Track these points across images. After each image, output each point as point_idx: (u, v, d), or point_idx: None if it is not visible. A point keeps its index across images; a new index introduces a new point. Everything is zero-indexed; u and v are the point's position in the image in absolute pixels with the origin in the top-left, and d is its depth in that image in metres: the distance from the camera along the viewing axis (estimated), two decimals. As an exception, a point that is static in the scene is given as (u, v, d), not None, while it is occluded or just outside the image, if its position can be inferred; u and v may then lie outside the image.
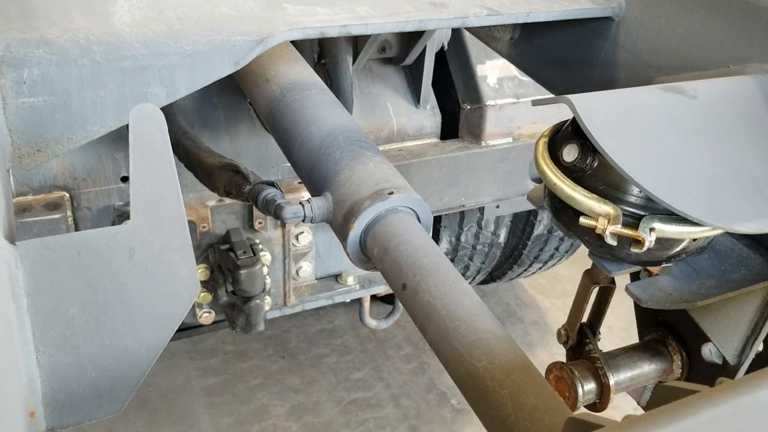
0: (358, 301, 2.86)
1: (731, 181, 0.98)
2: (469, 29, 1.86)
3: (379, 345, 3.42)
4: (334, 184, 1.16)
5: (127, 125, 1.08)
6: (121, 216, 2.14)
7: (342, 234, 1.14)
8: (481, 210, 2.75)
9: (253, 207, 2.24)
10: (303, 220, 1.18)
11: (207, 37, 1.07)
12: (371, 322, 2.79)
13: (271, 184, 1.29)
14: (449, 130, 2.57)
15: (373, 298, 2.99)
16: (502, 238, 3.05)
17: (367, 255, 1.15)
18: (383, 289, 2.63)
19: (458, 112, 2.55)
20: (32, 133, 1.04)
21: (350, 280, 2.55)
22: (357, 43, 2.20)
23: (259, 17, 1.13)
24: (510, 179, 2.58)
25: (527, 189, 2.64)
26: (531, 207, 2.85)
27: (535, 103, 1.09)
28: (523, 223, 3.08)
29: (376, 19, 1.17)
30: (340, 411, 3.06)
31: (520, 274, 3.43)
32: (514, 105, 2.50)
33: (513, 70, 2.49)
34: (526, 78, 2.48)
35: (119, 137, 2.05)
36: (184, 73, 1.06)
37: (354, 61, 2.26)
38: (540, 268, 3.40)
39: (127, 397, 0.77)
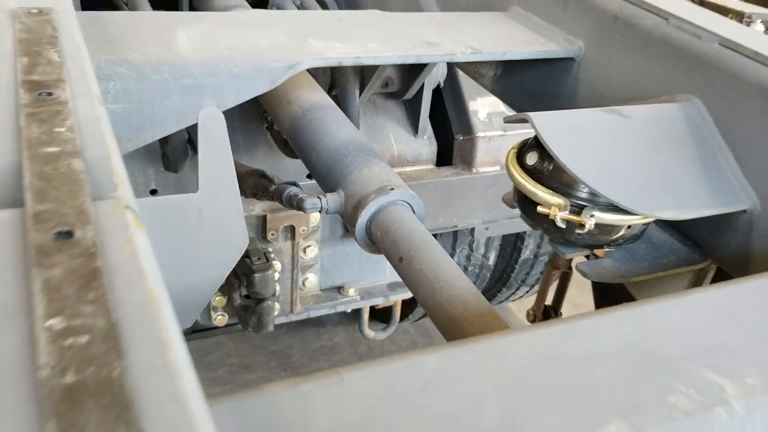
0: (357, 317, 3.14)
1: (655, 181, 1.28)
2: (460, 67, 2.17)
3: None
4: (345, 183, 1.46)
5: (182, 129, 1.39)
6: (150, 224, 2.42)
7: (351, 221, 1.43)
8: (472, 232, 3.04)
9: (266, 222, 2.54)
10: (320, 211, 1.47)
11: (250, 62, 1.37)
12: (369, 333, 3.06)
13: (293, 184, 1.59)
14: (444, 157, 2.88)
15: (371, 318, 3.26)
16: (491, 261, 3.33)
17: (371, 239, 1.44)
18: (381, 301, 2.90)
19: (452, 142, 2.86)
20: (112, 133, 1.33)
21: (351, 292, 2.82)
22: (363, 77, 2.52)
23: (290, 48, 1.44)
24: (498, 203, 2.85)
25: (513, 213, 2.94)
26: (517, 230, 3.15)
27: (506, 120, 1.39)
28: (511, 247, 3.37)
29: (383, 53, 1.48)
30: (338, 419, 3.29)
31: (508, 297, 3.70)
32: (502, 137, 2.82)
33: (501, 106, 2.81)
34: (512, 113, 2.80)
35: (149, 154, 2.36)
36: (231, 90, 1.36)
37: (360, 93, 2.58)
38: (527, 292, 3.67)
39: (195, 317, 1.05)
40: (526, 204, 1.39)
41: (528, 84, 1.82)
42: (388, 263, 3.09)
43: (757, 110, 1.29)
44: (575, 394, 0.77)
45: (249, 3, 2.52)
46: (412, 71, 2.61)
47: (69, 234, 0.56)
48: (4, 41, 0.89)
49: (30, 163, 0.64)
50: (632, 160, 1.28)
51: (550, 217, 1.29)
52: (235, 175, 1.12)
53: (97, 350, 0.47)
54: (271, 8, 2.62)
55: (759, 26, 6.33)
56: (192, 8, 2.67)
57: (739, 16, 6.36)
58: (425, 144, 2.85)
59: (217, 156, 1.11)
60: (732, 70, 1.33)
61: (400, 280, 2.97)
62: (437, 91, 2.83)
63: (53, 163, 0.65)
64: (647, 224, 1.34)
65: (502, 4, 1.86)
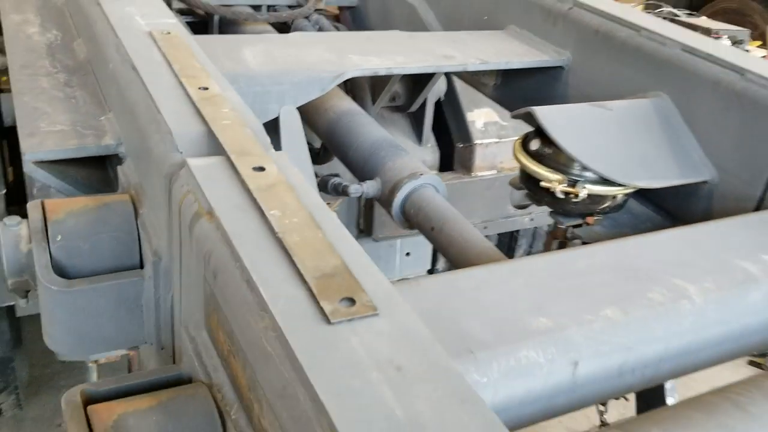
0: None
1: (633, 158, 1.62)
2: (464, 78, 2.52)
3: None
4: (382, 171, 1.79)
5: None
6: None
7: (388, 202, 1.76)
8: (472, 230, 3.38)
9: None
10: (360, 196, 1.80)
11: (305, 73, 1.71)
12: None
13: (336, 175, 1.92)
14: (446, 164, 3.22)
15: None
16: (489, 259, 3.66)
17: (404, 216, 1.76)
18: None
19: (453, 150, 3.21)
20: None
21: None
22: (374, 92, 2.86)
23: (335, 62, 1.77)
24: (495, 204, 3.21)
25: (509, 213, 3.28)
26: (512, 229, 3.49)
27: (513, 115, 1.73)
28: (505, 247, 3.71)
29: (410, 64, 1.83)
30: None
31: (504, 295, 4.02)
32: (497, 144, 3.17)
33: (496, 116, 3.16)
34: (506, 122, 3.16)
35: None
36: (291, 96, 1.69)
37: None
38: (522, 289, 4.00)
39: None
40: (530, 183, 1.72)
41: (524, 90, 2.17)
42: (397, 261, 3.41)
43: (713, 101, 1.65)
44: (581, 291, 1.10)
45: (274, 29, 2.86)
46: (416, 86, 2.96)
47: (262, 168, 0.89)
48: (155, 53, 1.21)
49: (218, 130, 0.96)
50: (615, 143, 1.63)
51: (551, 190, 1.62)
52: (309, 154, 1.45)
53: (305, 226, 0.79)
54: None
55: (726, 41, 6.81)
56: (221, 33, 3.00)
57: (707, 33, 6.85)
58: (429, 152, 3.19)
59: (295, 141, 1.44)
60: (692, 70, 1.68)
61: (407, 277, 3.30)
62: (438, 105, 3.18)
63: (231, 130, 0.97)
64: (628, 195, 1.68)
65: (500, 24, 2.21)
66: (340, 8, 3.09)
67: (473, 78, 2.37)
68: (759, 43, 8.17)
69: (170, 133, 0.97)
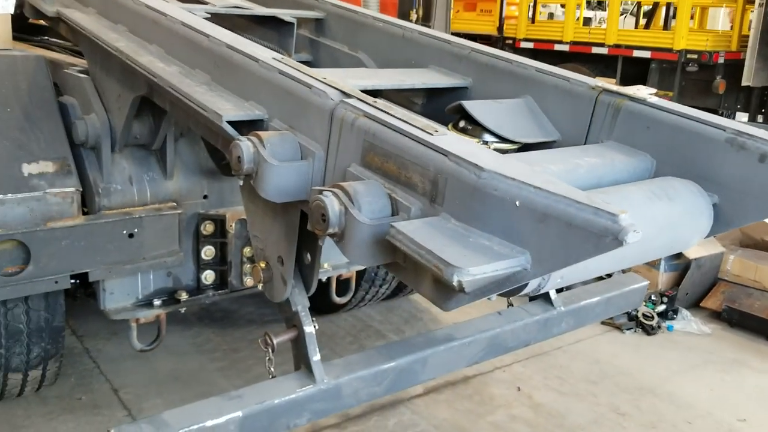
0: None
1: (516, 128, 3.04)
2: (397, 101, 3.90)
3: (330, 338, 5.18)
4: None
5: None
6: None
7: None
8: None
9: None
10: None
11: (328, 87, 3.02)
12: (336, 298, 4.61)
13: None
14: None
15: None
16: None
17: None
18: (345, 271, 4.47)
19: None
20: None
21: (326, 266, 4.37)
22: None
23: (340, 83, 3.10)
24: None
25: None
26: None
27: (447, 110, 3.12)
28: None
29: (385, 83, 3.19)
30: (315, 371, 4.73)
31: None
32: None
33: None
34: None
35: (202, 169, 3.87)
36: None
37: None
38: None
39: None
40: (460, 148, 3.10)
41: (443, 106, 3.58)
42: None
43: (554, 97, 3.11)
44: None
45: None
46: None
47: (376, 99, 2.20)
48: (284, 66, 2.49)
49: (345, 90, 2.27)
50: (507, 119, 3.05)
51: (474, 146, 3.00)
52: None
53: (402, 113, 2.11)
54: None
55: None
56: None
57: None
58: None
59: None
60: (541, 81, 3.16)
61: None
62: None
63: (349, 90, 2.28)
64: (517, 150, 3.09)
65: (424, 65, 3.64)
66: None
67: (406, 99, 3.76)
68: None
69: (326, 92, 2.26)
